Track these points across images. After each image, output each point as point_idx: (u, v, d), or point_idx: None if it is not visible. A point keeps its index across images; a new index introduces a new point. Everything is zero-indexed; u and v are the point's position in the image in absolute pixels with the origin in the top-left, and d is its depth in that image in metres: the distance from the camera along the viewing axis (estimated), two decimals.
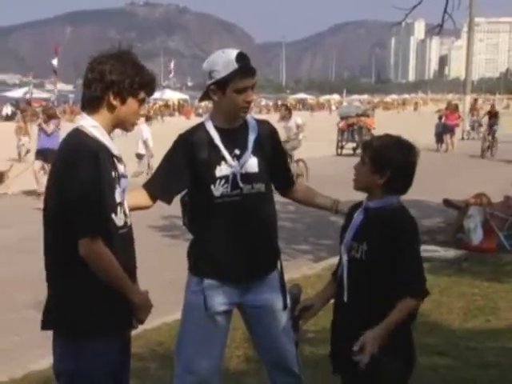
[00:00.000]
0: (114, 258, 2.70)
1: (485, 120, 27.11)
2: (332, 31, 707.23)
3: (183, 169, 3.33)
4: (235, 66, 3.22)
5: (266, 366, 3.59)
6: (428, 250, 7.96)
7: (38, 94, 53.45)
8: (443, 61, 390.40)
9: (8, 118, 46.78)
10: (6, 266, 8.29)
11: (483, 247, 8.77)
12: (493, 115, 25.61)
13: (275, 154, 3.48)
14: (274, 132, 3.53)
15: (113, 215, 2.75)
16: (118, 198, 2.77)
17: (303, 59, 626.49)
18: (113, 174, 2.77)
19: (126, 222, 2.85)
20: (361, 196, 3.09)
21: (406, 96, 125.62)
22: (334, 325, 3.10)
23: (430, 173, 15.18)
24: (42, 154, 13.94)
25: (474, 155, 23.13)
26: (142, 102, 2.86)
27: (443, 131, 26.92)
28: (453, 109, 28.78)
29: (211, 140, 3.33)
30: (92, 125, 2.78)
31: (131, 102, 2.82)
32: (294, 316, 3.23)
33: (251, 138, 3.37)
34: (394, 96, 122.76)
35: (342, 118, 26.11)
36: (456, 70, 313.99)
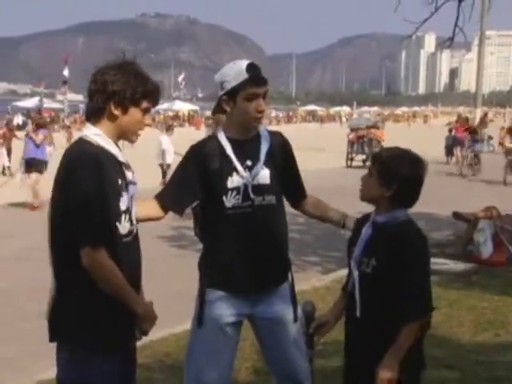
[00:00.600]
0: (116, 268, 2.68)
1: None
2: (342, 43, 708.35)
3: (195, 180, 3.33)
4: (245, 75, 3.23)
5: (276, 379, 3.56)
6: (437, 262, 7.93)
7: (48, 103, 53.69)
8: (454, 74, 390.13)
9: (19, 128, 47.02)
10: (16, 276, 8.31)
11: (493, 260, 8.72)
12: (472, 131, 23.65)
13: (287, 165, 3.46)
14: (286, 144, 3.52)
15: (117, 223, 2.73)
16: (123, 206, 2.76)
17: (313, 71, 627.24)
18: (119, 181, 2.76)
19: (131, 231, 2.82)
20: (370, 208, 3.08)
21: (416, 108, 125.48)
22: (347, 339, 3.09)
23: (439, 185, 15.16)
24: (28, 164, 13.94)
25: (486, 168, 22.91)
26: (145, 111, 2.86)
27: (453, 144, 26.80)
28: (463, 122, 28.70)
29: (223, 151, 3.32)
30: (96, 133, 2.79)
31: (133, 112, 2.81)
32: (308, 333, 3.20)
33: (263, 149, 3.36)
34: (404, 108, 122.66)
35: (352, 130, 26.15)
36: (466, 83, 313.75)
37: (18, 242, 10.36)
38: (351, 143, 25.36)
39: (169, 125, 20.93)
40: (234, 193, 3.29)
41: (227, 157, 3.31)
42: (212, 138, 3.41)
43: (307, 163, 15.71)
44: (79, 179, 2.65)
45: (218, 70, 3.40)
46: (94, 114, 2.83)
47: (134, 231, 2.86)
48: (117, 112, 2.78)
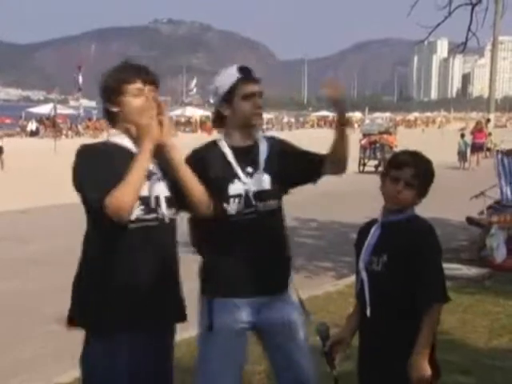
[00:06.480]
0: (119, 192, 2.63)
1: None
2: (354, 49, 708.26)
3: None
4: (237, 75, 3.26)
5: None
6: (451, 268, 7.90)
7: (62, 110, 53.80)
8: (466, 79, 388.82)
9: (32, 134, 47.24)
10: (36, 279, 8.35)
11: (507, 265, 8.69)
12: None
13: (290, 160, 3.37)
14: (281, 142, 3.47)
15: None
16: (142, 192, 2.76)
17: (325, 76, 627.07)
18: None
19: (141, 219, 2.79)
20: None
21: (429, 114, 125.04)
22: (360, 339, 3.10)
23: (453, 191, 15.12)
24: None
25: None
26: (136, 94, 2.81)
27: (472, 149, 26.94)
28: (480, 128, 28.96)
29: (224, 157, 3.30)
30: (113, 134, 2.86)
31: (124, 101, 2.81)
32: (326, 353, 3.16)
33: (262, 155, 3.33)
34: (417, 114, 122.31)
35: (365, 136, 26.12)
36: (479, 88, 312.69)
37: (39, 245, 10.43)
38: (363, 149, 25.30)
39: None
40: (237, 200, 3.25)
41: (228, 163, 3.28)
42: (213, 145, 3.37)
43: None
44: (83, 160, 2.75)
45: None
46: (106, 119, 2.92)
47: (148, 222, 2.83)
48: (114, 109, 2.83)
